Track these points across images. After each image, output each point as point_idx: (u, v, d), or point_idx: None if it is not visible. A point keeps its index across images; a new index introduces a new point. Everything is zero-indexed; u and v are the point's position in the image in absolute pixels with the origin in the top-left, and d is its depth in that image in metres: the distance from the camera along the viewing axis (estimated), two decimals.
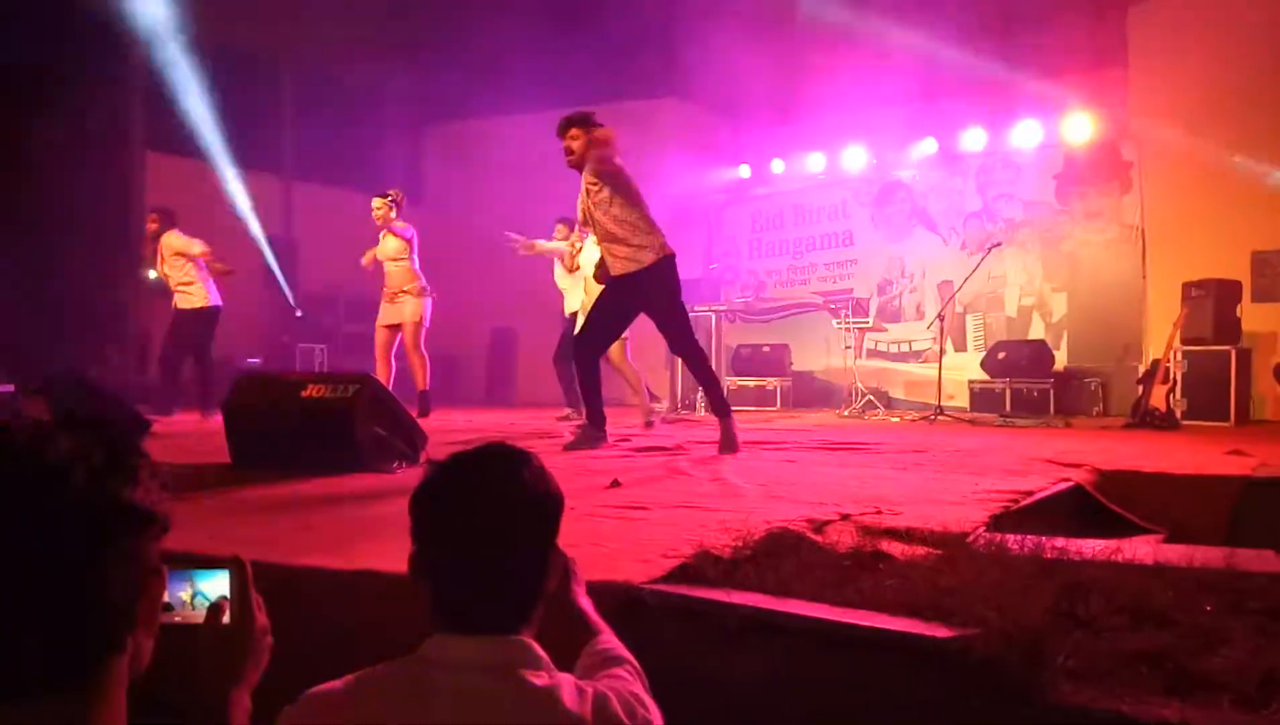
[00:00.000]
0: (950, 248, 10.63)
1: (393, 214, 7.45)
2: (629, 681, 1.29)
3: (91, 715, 0.83)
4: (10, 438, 0.84)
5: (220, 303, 7.73)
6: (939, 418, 8.07)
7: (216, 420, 4.66)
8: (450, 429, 6.43)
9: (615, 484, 3.43)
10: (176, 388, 7.61)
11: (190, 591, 1.11)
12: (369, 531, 2.60)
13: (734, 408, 5.25)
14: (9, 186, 8.55)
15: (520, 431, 6.36)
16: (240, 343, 9.87)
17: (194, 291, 7.59)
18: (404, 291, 7.40)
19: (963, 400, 9.49)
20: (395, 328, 7.43)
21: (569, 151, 4.95)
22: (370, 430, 4.01)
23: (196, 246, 7.58)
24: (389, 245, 7.45)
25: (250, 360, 9.41)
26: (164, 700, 1.01)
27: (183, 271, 7.57)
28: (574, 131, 4.94)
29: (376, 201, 7.47)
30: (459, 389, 11.83)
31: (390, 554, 1.92)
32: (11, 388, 6.44)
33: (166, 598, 1.01)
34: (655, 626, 1.79)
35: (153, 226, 7.67)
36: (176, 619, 1.09)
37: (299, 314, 11.42)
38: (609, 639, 1.45)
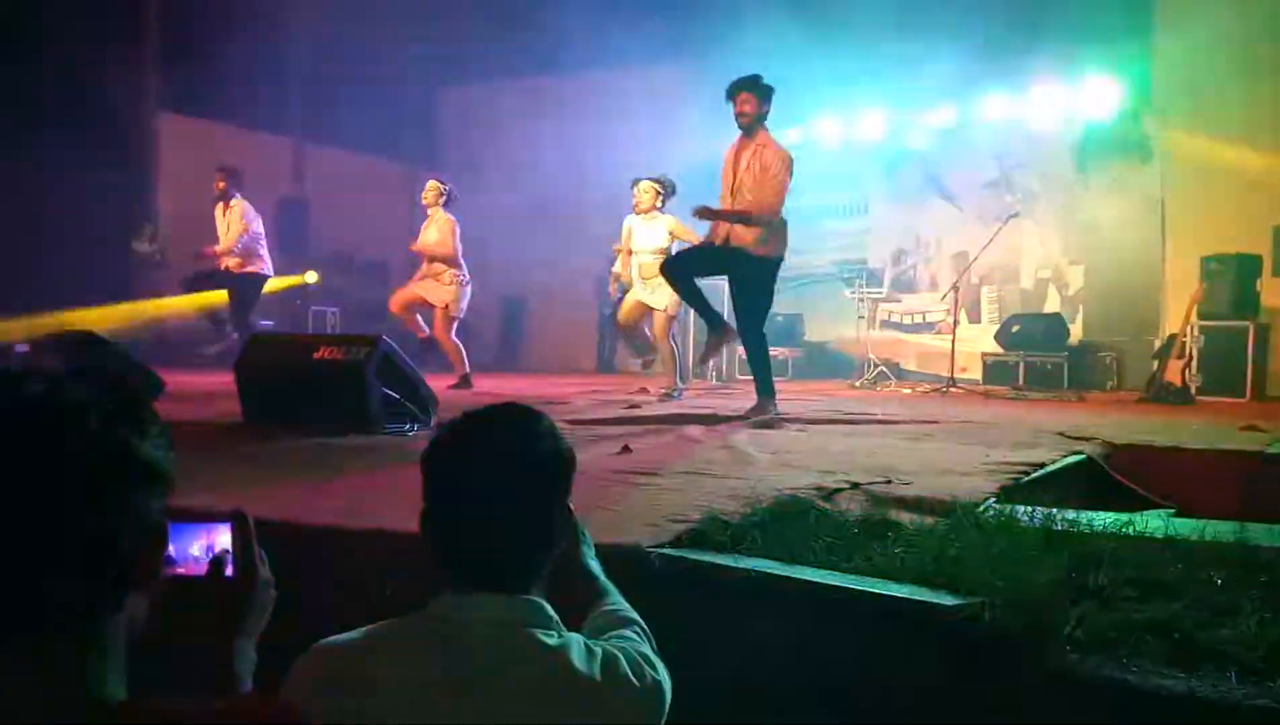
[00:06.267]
0: (966, 218, 10.51)
1: (441, 201, 7.24)
2: (637, 642, 1.30)
3: (89, 673, 0.83)
4: (25, 382, 0.85)
5: (270, 273, 7.71)
6: (951, 390, 8.04)
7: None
8: (474, 393, 6.46)
9: (626, 449, 3.45)
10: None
11: (193, 544, 1.11)
12: (379, 490, 2.61)
13: (744, 377, 5.34)
14: (20, 145, 8.52)
15: (535, 398, 6.37)
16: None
17: (251, 257, 7.54)
18: (445, 275, 7.15)
19: (976, 373, 9.43)
20: (421, 300, 7.19)
21: (743, 115, 5.07)
22: (381, 392, 4.04)
23: (255, 224, 7.49)
24: (430, 234, 7.20)
25: (262, 322, 9.42)
26: (167, 653, 1.02)
27: (243, 236, 7.47)
28: (746, 95, 5.05)
29: (431, 183, 7.33)
30: (469, 356, 11.82)
31: (400, 513, 1.94)
32: (26, 347, 6.48)
33: (171, 550, 1.02)
34: (663, 590, 1.80)
35: (220, 186, 7.50)
36: (179, 571, 1.09)
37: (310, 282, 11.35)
38: (617, 600, 1.45)
